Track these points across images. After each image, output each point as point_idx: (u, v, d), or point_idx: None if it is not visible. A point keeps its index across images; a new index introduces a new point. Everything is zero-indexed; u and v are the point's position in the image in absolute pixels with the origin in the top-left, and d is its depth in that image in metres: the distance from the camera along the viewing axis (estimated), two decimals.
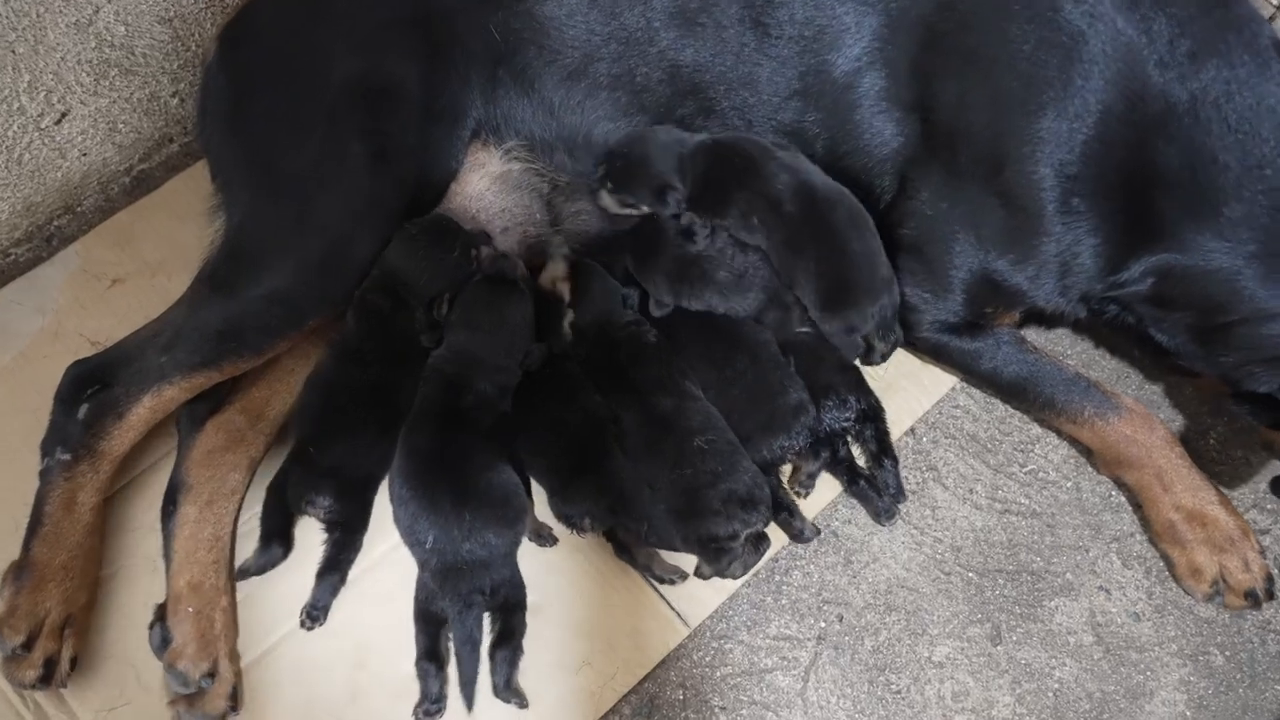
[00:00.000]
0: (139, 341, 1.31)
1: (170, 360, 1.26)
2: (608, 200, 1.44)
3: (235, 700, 1.24)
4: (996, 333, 1.46)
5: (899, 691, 1.33)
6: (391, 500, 1.27)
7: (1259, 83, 1.22)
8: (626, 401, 1.33)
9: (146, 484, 1.38)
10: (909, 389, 1.54)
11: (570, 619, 1.32)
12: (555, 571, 1.35)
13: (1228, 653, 1.38)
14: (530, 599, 1.29)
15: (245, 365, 1.29)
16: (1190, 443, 1.51)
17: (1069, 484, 1.50)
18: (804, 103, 1.43)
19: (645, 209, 1.43)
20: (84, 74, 1.49)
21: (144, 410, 1.26)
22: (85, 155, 1.57)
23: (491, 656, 1.24)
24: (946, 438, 1.52)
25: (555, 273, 1.43)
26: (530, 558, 1.32)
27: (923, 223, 1.39)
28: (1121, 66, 1.23)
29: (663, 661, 1.31)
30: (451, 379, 1.30)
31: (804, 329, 1.39)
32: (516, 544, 1.27)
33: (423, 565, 1.24)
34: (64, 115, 1.50)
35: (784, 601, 1.38)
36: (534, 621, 1.28)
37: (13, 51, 1.36)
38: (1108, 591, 1.42)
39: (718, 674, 1.32)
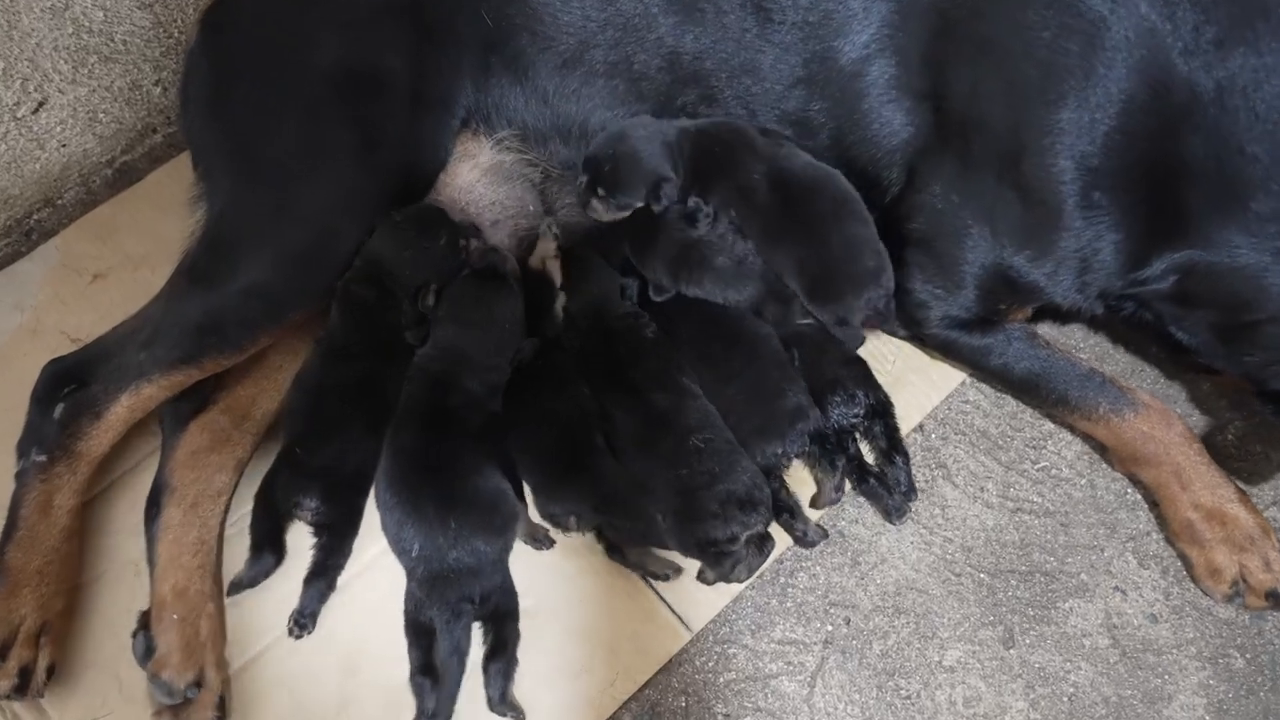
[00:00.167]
0: (117, 338, 1.28)
1: (149, 357, 1.23)
2: (599, 207, 1.40)
3: (222, 710, 1.21)
4: (1007, 328, 1.42)
5: (909, 697, 1.30)
6: (377, 506, 1.24)
7: None
8: (621, 398, 1.29)
9: (129, 485, 1.36)
10: (917, 384, 1.50)
11: (567, 624, 1.29)
12: (551, 574, 1.32)
13: (1248, 655, 1.35)
14: (526, 603, 1.26)
15: (226, 361, 1.26)
16: (1208, 438, 1.48)
17: (1083, 481, 1.47)
18: (809, 91, 1.39)
19: (639, 205, 1.39)
20: (61, 61, 1.45)
21: (122, 409, 1.23)
22: (65, 146, 1.54)
23: (485, 669, 1.20)
24: (956, 434, 1.49)
25: (545, 251, 1.39)
26: (525, 560, 1.29)
27: (933, 216, 1.35)
28: (1145, 54, 1.19)
29: (664, 667, 1.28)
30: (438, 378, 1.26)
31: (806, 321, 1.36)
32: (507, 550, 1.24)
33: (410, 573, 1.21)
34: (41, 104, 1.47)
35: (789, 604, 1.35)
36: (529, 626, 1.25)
37: None
38: (1124, 592, 1.38)
39: (721, 680, 1.30)
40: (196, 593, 1.23)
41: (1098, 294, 1.32)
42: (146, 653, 1.20)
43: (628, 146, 1.37)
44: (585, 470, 1.25)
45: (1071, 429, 1.48)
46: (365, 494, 1.28)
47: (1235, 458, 1.48)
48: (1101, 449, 1.46)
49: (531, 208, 1.51)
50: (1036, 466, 1.47)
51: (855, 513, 1.42)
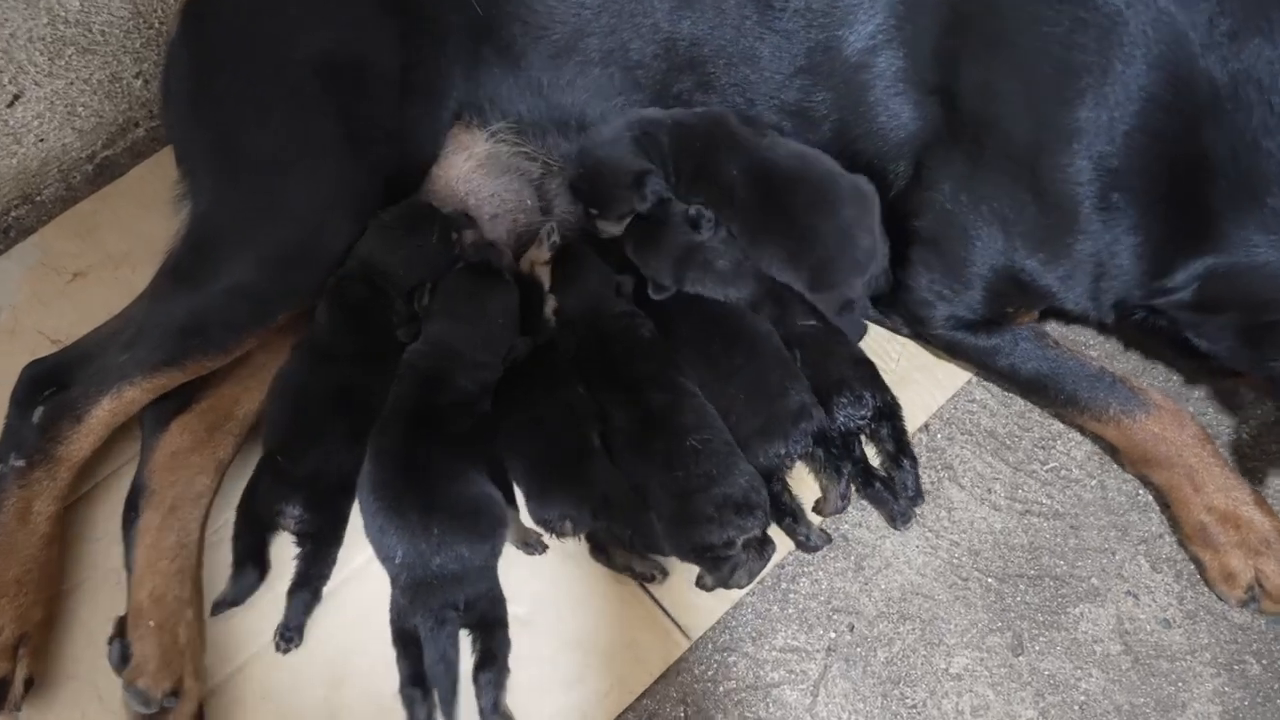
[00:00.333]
0: (99, 339, 1.26)
1: (131, 359, 1.21)
2: (603, 226, 1.38)
3: None
4: (1014, 327, 1.39)
5: (914, 706, 1.27)
6: (360, 511, 1.21)
7: None
8: (617, 398, 1.27)
9: (111, 490, 1.34)
10: (922, 382, 1.48)
11: (561, 631, 1.27)
12: (544, 580, 1.30)
13: (1264, 661, 1.32)
14: (518, 610, 1.24)
15: (211, 364, 1.24)
16: (1222, 437, 1.46)
17: (1093, 482, 1.44)
18: (810, 81, 1.36)
19: (641, 209, 1.37)
20: (37, 53, 1.42)
21: (103, 412, 1.21)
22: (43, 141, 1.52)
23: (475, 680, 1.17)
24: (963, 434, 1.47)
25: (535, 256, 1.37)
26: (517, 566, 1.27)
27: (941, 215, 1.32)
28: (1165, 48, 1.15)
29: (662, 676, 1.26)
30: (428, 374, 1.23)
31: (809, 322, 1.33)
32: (494, 557, 1.20)
33: (393, 580, 1.18)
34: (17, 98, 1.44)
35: (791, 611, 1.32)
36: (522, 634, 1.23)
37: None
38: (1136, 597, 1.36)
39: (721, 689, 1.27)
40: (174, 599, 1.20)
41: (1113, 302, 1.28)
42: (122, 660, 1.17)
43: (593, 159, 1.36)
44: (579, 474, 1.22)
45: (1081, 430, 1.46)
46: (351, 501, 1.25)
47: (1250, 457, 1.45)
48: (1112, 450, 1.44)
49: (529, 202, 1.49)
50: (1045, 467, 1.45)
51: (859, 516, 1.39)
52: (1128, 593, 1.35)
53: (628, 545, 1.24)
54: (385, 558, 1.17)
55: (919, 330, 1.43)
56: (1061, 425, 1.47)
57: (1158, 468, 1.36)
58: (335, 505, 1.23)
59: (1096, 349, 1.54)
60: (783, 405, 1.26)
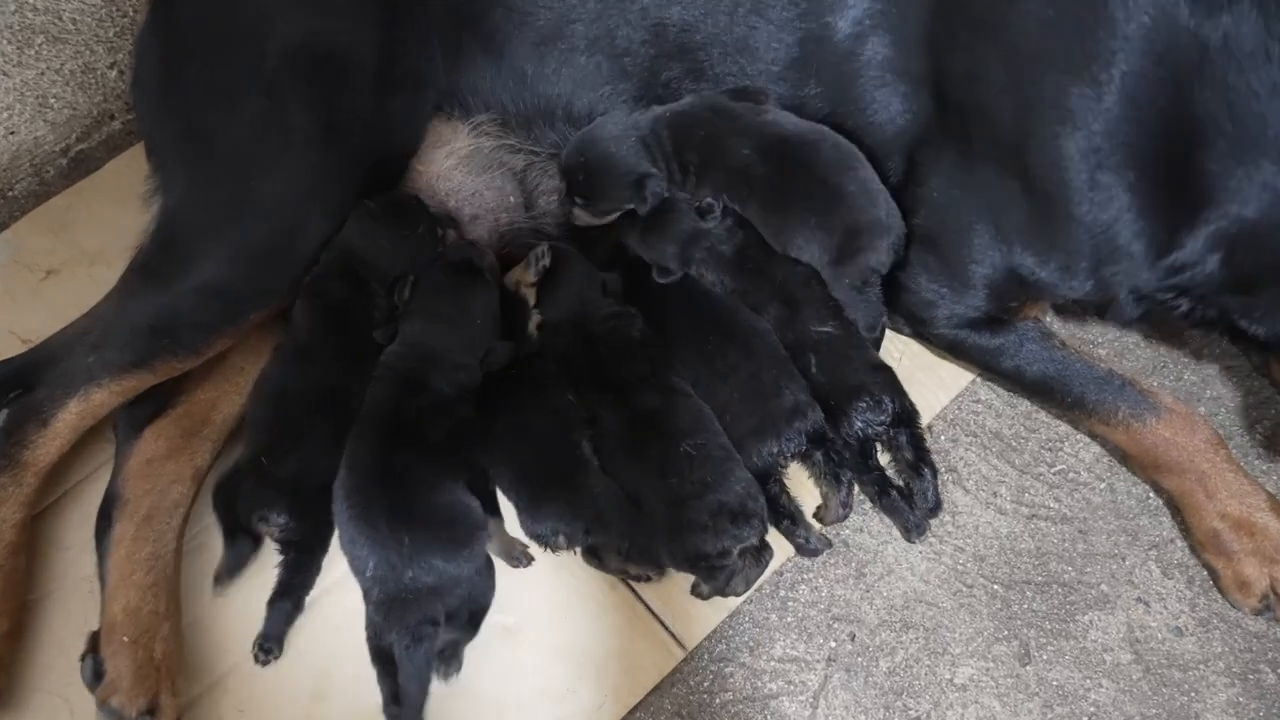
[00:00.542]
0: (65, 340, 1.24)
1: (98, 360, 1.19)
2: (583, 215, 1.36)
3: None
4: (1020, 327, 1.36)
5: (918, 718, 1.24)
6: (334, 520, 1.17)
7: None
8: (606, 400, 1.24)
9: (82, 496, 1.32)
10: (926, 383, 1.44)
11: (552, 642, 1.25)
12: (534, 589, 1.27)
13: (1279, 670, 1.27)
14: (507, 620, 1.22)
15: (182, 365, 1.22)
16: (1234, 439, 1.42)
17: (1102, 485, 1.41)
18: (804, 73, 1.33)
19: (641, 210, 1.34)
20: (5, 41, 1.41)
21: (71, 416, 1.19)
22: (13, 134, 1.50)
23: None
24: (967, 436, 1.44)
25: (521, 277, 1.33)
26: (506, 575, 1.25)
27: (935, 212, 1.30)
28: (1151, 19, 1.11)
29: (656, 687, 1.23)
30: (406, 376, 1.20)
31: (825, 328, 1.29)
32: (474, 563, 1.16)
33: (366, 595, 1.14)
34: None
35: (790, 619, 1.30)
36: (511, 645, 1.22)
37: None
38: (1147, 604, 1.33)
39: (717, 701, 1.24)
40: (150, 613, 1.17)
41: (1129, 290, 1.24)
42: (95, 677, 1.15)
43: (599, 151, 1.33)
44: (571, 486, 1.19)
45: (1090, 434, 1.43)
46: None
47: (1265, 459, 1.41)
48: (1121, 455, 1.40)
49: (513, 199, 1.46)
50: (1053, 470, 1.41)
51: (860, 520, 1.36)
52: (1138, 600, 1.32)
53: (624, 556, 1.21)
54: (357, 570, 1.13)
55: (921, 331, 1.40)
56: (1069, 426, 1.44)
57: (1169, 473, 1.32)
58: (320, 511, 1.19)
59: (1105, 349, 1.51)
60: (777, 404, 1.23)
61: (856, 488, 1.29)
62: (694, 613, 1.26)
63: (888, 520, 1.33)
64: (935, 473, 1.29)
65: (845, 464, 1.26)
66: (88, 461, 1.31)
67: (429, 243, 1.29)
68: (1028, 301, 1.32)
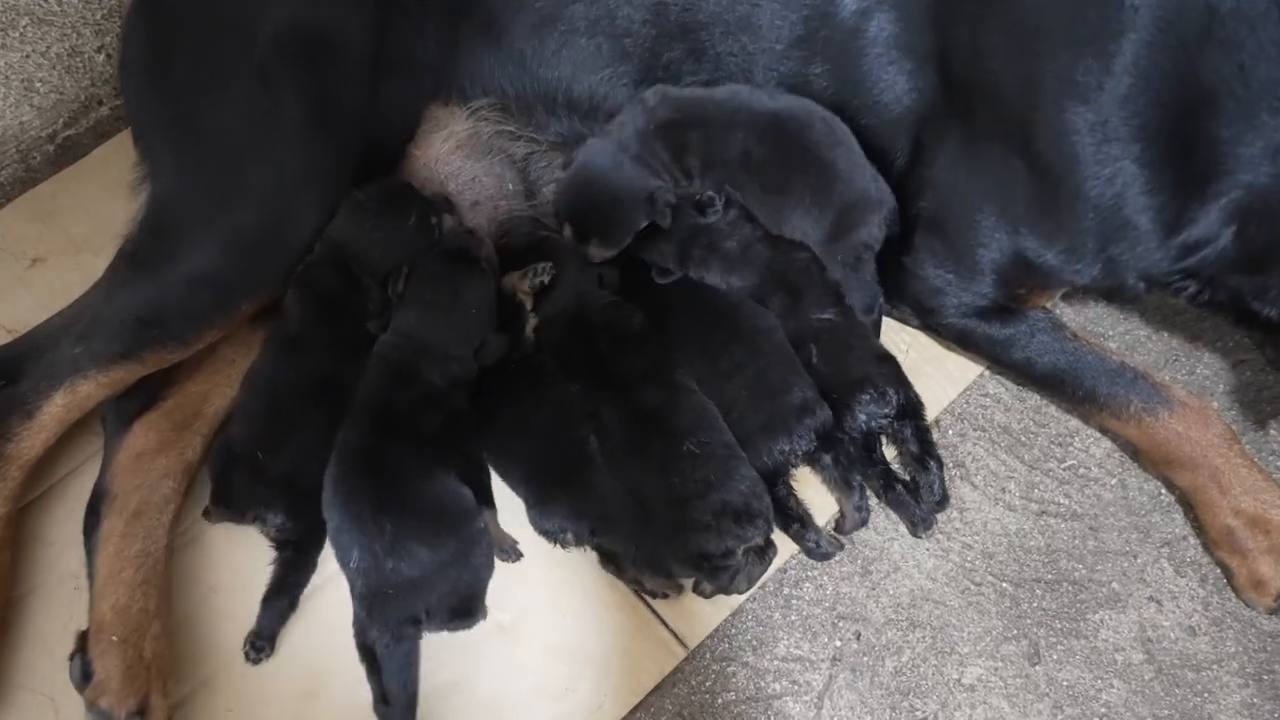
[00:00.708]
0: (50, 330, 1.23)
1: (85, 351, 1.17)
2: (599, 251, 1.31)
3: None
4: (1031, 318, 1.33)
5: (925, 718, 1.22)
6: (323, 510, 1.15)
7: None
8: (607, 396, 1.22)
9: (69, 491, 1.30)
10: (933, 376, 1.42)
11: (549, 640, 1.23)
12: (531, 585, 1.25)
13: None
14: (502, 617, 1.20)
15: (171, 356, 1.20)
16: (1248, 434, 1.40)
17: (1114, 481, 1.39)
18: (808, 51, 1.31)
19: (663, 224, 1.31)
20: None
21: (56, 408, 1.17)
22: None
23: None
24: (975, 430, 1.41)
25: (518, 284, 1.30)
26: (503, 571, 1.23)
27: (940, 195, 1.28)
28: None
29: (657, 687, 1.22)
30: (399, 367, 1.18)
31: (825, 315, 1.28)
32: (464, 553, 1.13)
33: (351, 589, 1.12)
34: None
35: (794, 618, 1.28)
36: (508, 643, 1.20)
37: None
38: (1159, 603, 1.31)
39: (719, 701, 1.22)
40: (140, 611, 1.15)
41: (1140, 273, 1.21)
42: (84, 678, 1.13)
43: (599, 188, 1.29)
44: (576, 483, 1.18)
45: (1101, 429, 1.41)
46: None
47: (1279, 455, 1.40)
48: (1133, 450, 1.38)
49: (512, 187, 1.44)
50: (1063, 465, 1.39)
51: None
52: (1150, 598, 1.31)
53: (631, 561, 1.19)
54: (342, 561, 1.12)
55: (929, 321, 1.38)
56: (1080, 421, 1.42)
57: (1181, 469, 1.30)
58: (316, 509, 1.17)
59: (1116, 340, 1.49)
60: (785, 401, 1.22)
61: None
62: (696, 611, 1.24)
63: (894, 516, 1.32)
64: (941, 465, 1.27)
65: (853, 464, 1.24)
66: (74, 455, 1.29)
67: (422, 233, 1.27)
68: (1035, 289, 1.29)
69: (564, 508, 1.17)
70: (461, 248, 1.25)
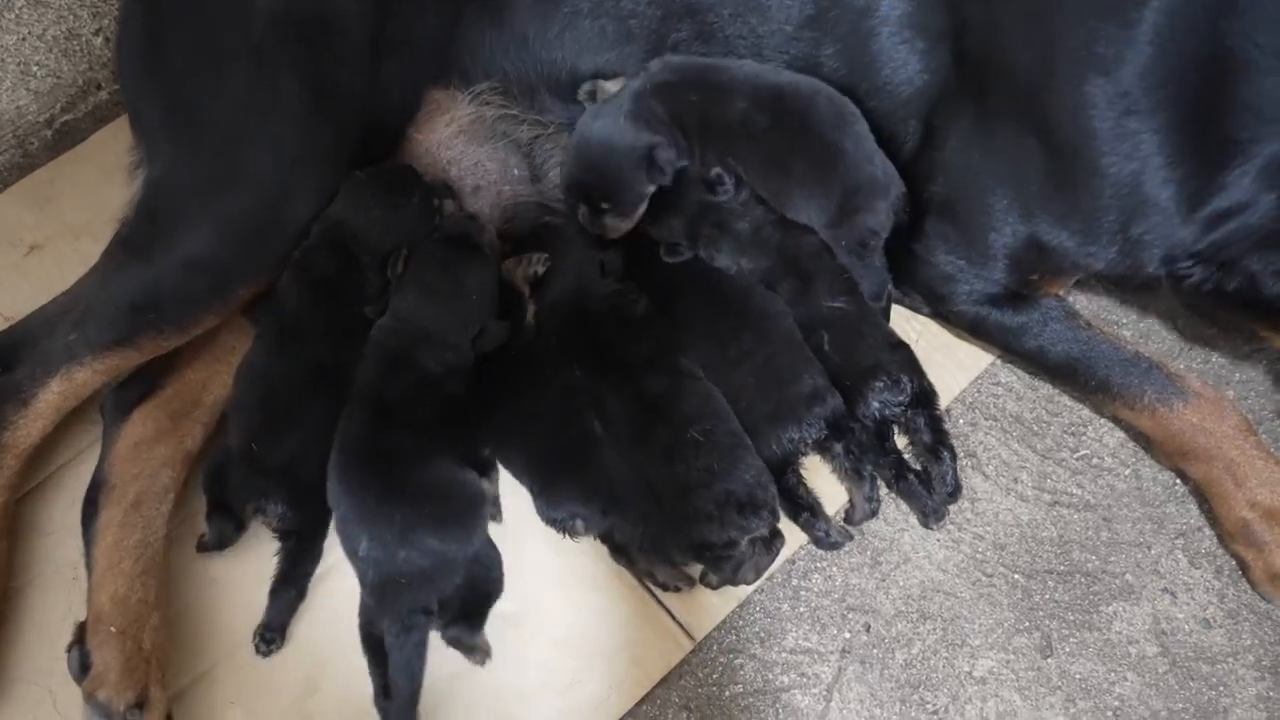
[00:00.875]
0: (46, 317, 1.21)
1: (80, 338, 1.16)
2: (617, 223, 1.30)
3: None
4: (1044, 305, 1.32)
5: (935, 712, 1.21)
6: (329, 500, 1.14)
7: None
8: (611, 383, 1.20)
9: (67, 480, 1.29)
10: (944, 364, 1.40)
11: (556, 631, 1.22)
12: (537, 576, 1.24)
13: None
14: (506, 607, 1.18)
15: (167, 342, 1.18)
16: (1264, 425, 1.38)
17: (1127, 471, 1.37)
18: (819, 32, 1.29)
19: (663, 182, 1.30)
20: None
21: (52, 396, 1.17)
22: None
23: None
24: (987, 419, 1.40)
25: (517, 271, 1.28)
26: (507, 561, 1.20)
27: (953, 177, 1.26)
28: None
29: (663, 680, 1.21)
30: (396, 353, 1.17)
31: (837, 302, 1.26)
32: (471, 545, 1.12)
33: (360, 579, 1.11)
34: None
35: (802, 609, 1.26)
36: (513, 634, 1.18)
37: None
38: (1173, 594, 1.29)
39: (727, 694, 1.21)
40: (138, 602, 1.14)
41: (1162, 254, 1.18)
42: (82, 669, 1.12)
43: (595, 146, 1.29)
44: (583, 465, 1.16)
45: (1114, 419, 1.39)
46: None
47: None
48: (1147, 441, 1.36)
49: (516, 171, 1.42)
50: (1075, 455, 1.38)
51: None
52: (1164, 590, 1.29)
53: (638, 546, 1.18)
54: (350, 551, 1.10)
55: (940, 308, 1.36)
56: (1093, 411, 1.40)
57: (1196, 461, 1.28)
58: (317, 497, 1.16)
59: (1130, 329, 1.48)
60: (794, 389, 1.20)
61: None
62: (703, 602, 1.23)
63: (904, 507, 1.30)
64: (954, 456, 1.26)
65: (865, 452, 1.22)
66: (72, 444, 1.29)
67: (424, 215, 1.25)
68: (1049, 274, 1.27)
69: (572, 492, 1.16)
70: (463, 233, 1.23)
